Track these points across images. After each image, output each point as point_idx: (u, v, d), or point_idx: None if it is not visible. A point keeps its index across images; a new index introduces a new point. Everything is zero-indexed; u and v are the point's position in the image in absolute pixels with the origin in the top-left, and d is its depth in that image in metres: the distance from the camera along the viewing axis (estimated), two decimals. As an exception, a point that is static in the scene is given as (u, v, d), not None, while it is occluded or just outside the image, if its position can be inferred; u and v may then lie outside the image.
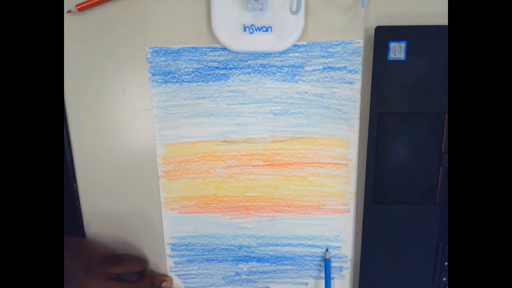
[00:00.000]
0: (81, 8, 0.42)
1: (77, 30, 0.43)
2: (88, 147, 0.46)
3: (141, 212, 0.48)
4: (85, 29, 0.43)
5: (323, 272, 0.50)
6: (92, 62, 0.44)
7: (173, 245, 0.49)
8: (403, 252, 0.47)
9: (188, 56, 0.44)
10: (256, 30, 0.42)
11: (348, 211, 0.48)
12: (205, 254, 0.50)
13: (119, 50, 0.44)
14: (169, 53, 0.44)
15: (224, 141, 0.46)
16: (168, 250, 0.49)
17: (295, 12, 0.39)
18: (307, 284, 0.51)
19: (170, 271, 0.50)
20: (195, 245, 0.49)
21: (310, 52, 0.44)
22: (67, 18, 0.43)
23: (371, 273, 0.48)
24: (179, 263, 0.50)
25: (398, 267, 0.48)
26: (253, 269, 0.50)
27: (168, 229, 0.49)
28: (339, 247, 0.49)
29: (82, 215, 0.48)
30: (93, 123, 0.46)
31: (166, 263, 0.50)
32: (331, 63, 0.44)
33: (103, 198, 0.48)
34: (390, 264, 0.48)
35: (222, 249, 0.50)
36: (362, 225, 0.47)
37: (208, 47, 0.44)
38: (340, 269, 0.50)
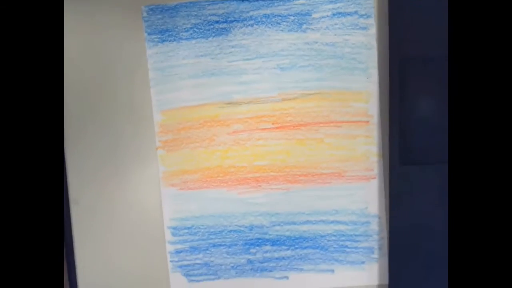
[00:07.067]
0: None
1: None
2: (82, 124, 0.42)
3: (137, 190, 0.43)
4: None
5: (351, 255, 0.42)
6: (90, 26, 0.42)
7: (174, 228, 0.43)
8: (437, 221, 0.40)
9: (186, 11, 0.41)
10: None
11: (375, 177, 0.41)
12: (211, 238, 0.43)
13: (115, 10, 0.41)
14: (166, 10, 0.41)
15: (227, 103, 0.42)
16: (168, 235, 0.43)
17: None
18: (333, 271, 0.42)
19: (171, 260, 0.43)
20: (199, 228, 0.43)
21: (317, -1, 0.40)
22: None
23: (400, 254, 0.40)
24: (181, 251, 0.43)
25: (430, 244, 0.40)
26: (268, 254, 0.43)
27: (168, 210, 0.43)
28: (367, 222, 0.42)
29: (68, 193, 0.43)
30: (88, 84, 0.42)
31: (166, 248, 0.43)
32: (341, 8, 0.40)
33: (92, 175, 0.43)
34: (420, 241, 0.40)
35: (230, 231, 0.43)
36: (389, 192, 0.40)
37: (206, 1, 0.41)
38: (371, 250, 0.42)
